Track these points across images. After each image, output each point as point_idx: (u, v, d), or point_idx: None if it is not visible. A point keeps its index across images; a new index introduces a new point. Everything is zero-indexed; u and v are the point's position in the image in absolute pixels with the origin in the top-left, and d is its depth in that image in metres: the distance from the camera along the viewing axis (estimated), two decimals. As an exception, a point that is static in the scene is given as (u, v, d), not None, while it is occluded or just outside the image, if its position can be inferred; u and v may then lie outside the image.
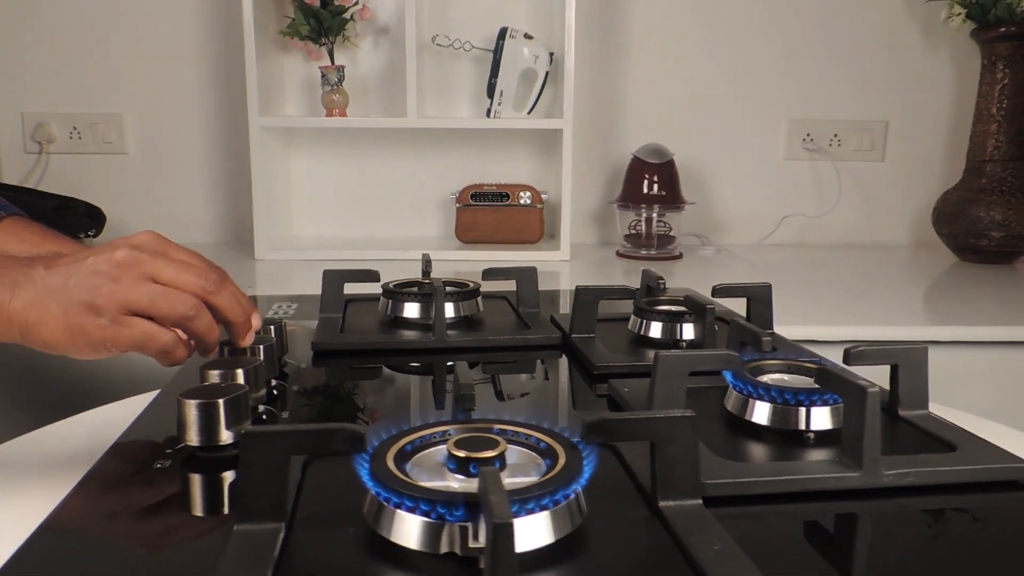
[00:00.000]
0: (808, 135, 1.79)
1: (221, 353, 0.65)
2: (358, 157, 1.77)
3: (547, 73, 1.63)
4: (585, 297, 0.78)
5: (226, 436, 0.52)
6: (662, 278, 0.82)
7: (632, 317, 0.79)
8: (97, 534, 0.44)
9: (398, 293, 0.85)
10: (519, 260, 1.58)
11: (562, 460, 0.40)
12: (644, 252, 1.65)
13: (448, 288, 0.87)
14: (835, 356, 1.13)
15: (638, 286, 0.85)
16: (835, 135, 1.79)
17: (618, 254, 1.67)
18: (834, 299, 1.32)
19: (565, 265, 1.57)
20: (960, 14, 1.57)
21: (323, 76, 1.61)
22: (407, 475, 0.41)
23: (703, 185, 1.81)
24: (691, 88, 1.78)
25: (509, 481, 0.40)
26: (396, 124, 1.62)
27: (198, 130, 1.77)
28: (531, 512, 0.37)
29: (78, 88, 1.74)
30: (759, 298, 0.79)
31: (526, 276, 0.91)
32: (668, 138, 1.69)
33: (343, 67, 1.62)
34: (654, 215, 1.65)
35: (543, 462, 0.42)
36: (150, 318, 0.59)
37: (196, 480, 0.50)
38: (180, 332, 0.61)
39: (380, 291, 0.87)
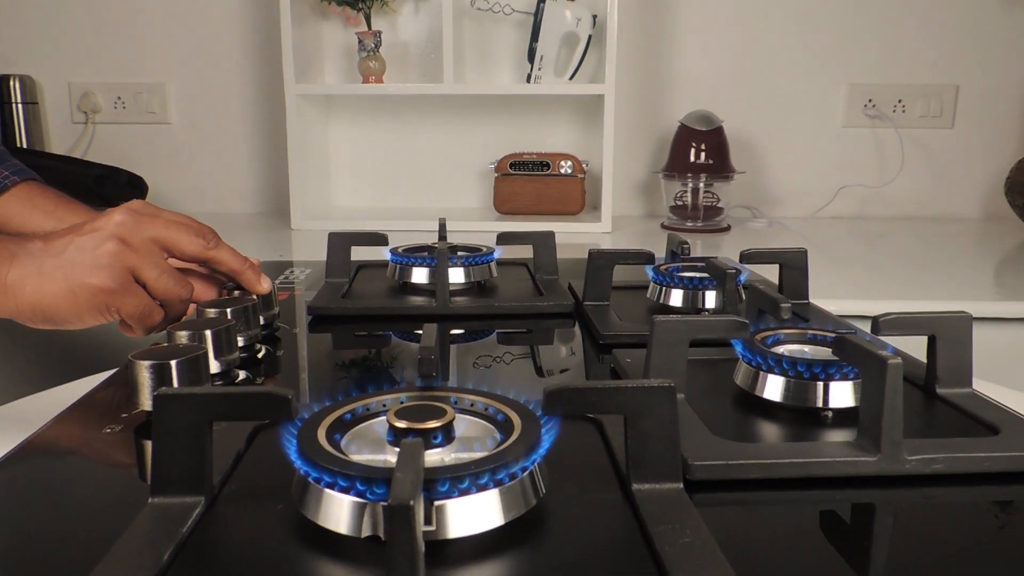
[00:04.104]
0: (870, 100, 1.67)
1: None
2: (397, 126, 1.72)
3: (590, 37, 1.55)
4: (599, 262, 0.71)
5: None
6: (686, 243, 0.75)
7: (651, 284, 0.73)
8: (18, 498, 0.40)
9: (405, 258, 0.80)
10: (559, 231, 1.51)
11: (516, 434, 0.35)
12: (690, 224, 1.57)
13: (459, 252, 0.82)
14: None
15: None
16: (899, 100, 1.67)
17: (663, 226, 1.59)
18: (895, 273, 1.23)
19: (607, 237, 1.50)
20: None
21: (360, 42, 1.56)
22: (339, 448, 0.35)
23: (754, 154, 1.71)
24: (743, 51, 1.67)
25: (455, 456, 0.35)
26: (433, 91, 1.57)
27: (239, 99, 1.75)
28: (466, 492, 0.32)
29: (122, 57, 1.74)
30: (792, 264, 0.71)
31: (543, 241, 0.85)
32: (717, 104, 1.60)
33: (379, 32, 1.57)
34: (701, 185, 1.56)
35: (498, 436, 0.36)
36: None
37: (142, 447, 0.46)
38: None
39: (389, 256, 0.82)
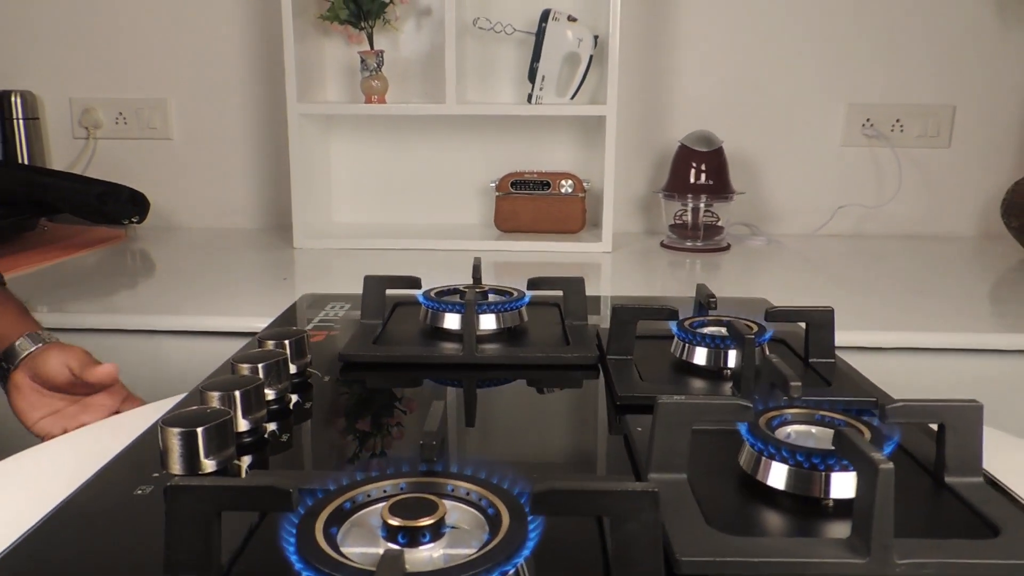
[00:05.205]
0: (868, 120, 1.68)
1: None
2: (398, 144, 1.73)
3: (591, 57, 1.56)
4: (622, 317, 0.72)
5: (208, 465, 0.50)
6: (713, 296, 0.75)
7: (675, 340, 0.73)
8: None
9: (437, 303, 0.81)
10: (560, 251, 1.53)
11: (501, 534, 0.36)
12: (690, 243, 1.58)
13: (491, 296, 0.83)
14: (894, 364, 1.03)
15: (687, 293, 0.80)
16: (897, 120, 1.68)
17: (663, 245, 1.61)
18: (893, 296, 1.24)
19: (607, 257, 1.51)
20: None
21: (362, 61, 1.57)
22: (336, 541, 0.37)
23: (754, 173, 1.72)
24: (742, 71, 1.68)
25: (443, 552, 0.36)
26: (435, 111, 1.57)
27: (240, 116, 1.76)
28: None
29: (123, 73, 1.75)
30: (818, 323, 0.71)
31: (573, 287, 0.86)
32: (717, 124, 1.60)
33: (382, 52, 1.57)
34: (701, 205, 1.57)
35: (485, 535, 0.37)
36: None
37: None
38: None
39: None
